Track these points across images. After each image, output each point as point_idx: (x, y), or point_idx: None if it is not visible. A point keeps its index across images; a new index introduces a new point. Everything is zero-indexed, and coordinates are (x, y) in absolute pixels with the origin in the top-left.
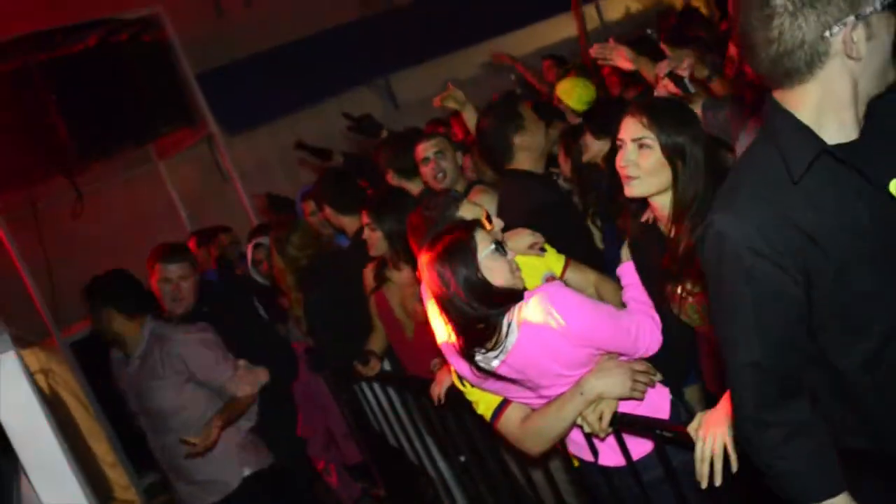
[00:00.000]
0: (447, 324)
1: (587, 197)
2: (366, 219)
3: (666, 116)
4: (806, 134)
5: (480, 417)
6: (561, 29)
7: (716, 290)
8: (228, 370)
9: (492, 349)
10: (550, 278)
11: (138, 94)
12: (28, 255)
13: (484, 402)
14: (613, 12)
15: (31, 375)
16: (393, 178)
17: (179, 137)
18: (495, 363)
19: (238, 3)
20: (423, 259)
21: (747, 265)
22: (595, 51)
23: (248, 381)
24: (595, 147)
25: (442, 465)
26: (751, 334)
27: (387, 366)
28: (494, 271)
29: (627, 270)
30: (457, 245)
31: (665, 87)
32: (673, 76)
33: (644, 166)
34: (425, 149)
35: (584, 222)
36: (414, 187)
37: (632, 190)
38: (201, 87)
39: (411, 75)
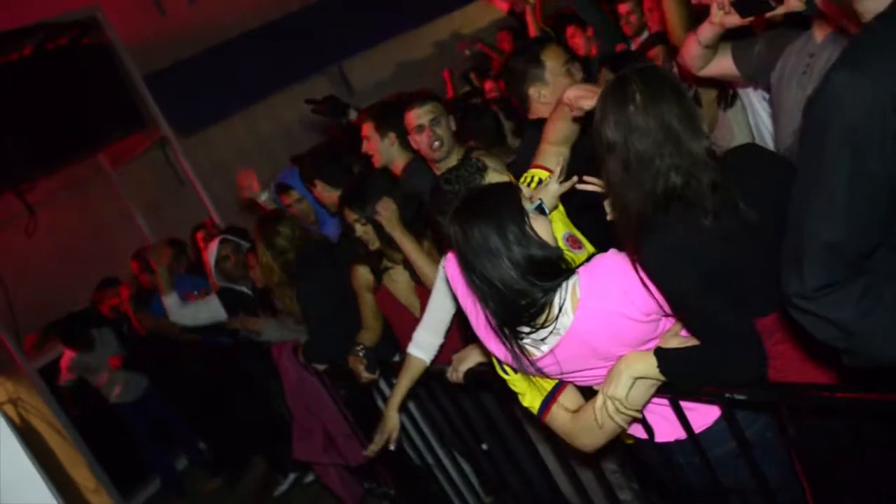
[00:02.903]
0: (484, 300)
1: None
2: (351, 215)
3: None
4: None
5: (505, 398)
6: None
7: (810, 157)
8: None
9: (541, 327)
10: (571, 238)
11: (84, 100)
12: None
13: (531, 392)
14: None
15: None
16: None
17: (131, 143)
18: (545, 348)
19: (181, 1)
20: (456, 225)
21: (862, 133)
22: None
23: None
24: None
25: (447, 463)
26: (839, 214)
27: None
28: (540, 231)
29: None
30: (502, 199)
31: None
32: None
33: None
34: (418, 115)
35: None
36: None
37: None
38: (150, 89)
39: (363, 60)
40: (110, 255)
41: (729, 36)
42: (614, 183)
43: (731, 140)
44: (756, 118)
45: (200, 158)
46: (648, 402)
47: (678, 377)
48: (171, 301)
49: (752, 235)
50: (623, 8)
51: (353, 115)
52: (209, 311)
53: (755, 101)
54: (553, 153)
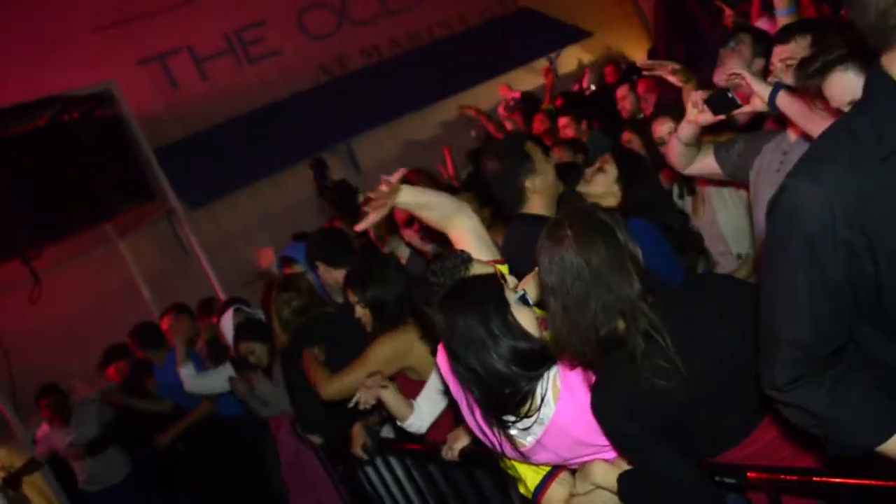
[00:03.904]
0: (469, 388)
1: None
2: (351, 296)
3: None
4: None
5: (502, 478)
6: (517, 84)
7: (774, 262)
8: None
9: (525, 416)
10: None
11: (94, 171)
12: None
13: (528, 478)
14: (567, 66)
15: None
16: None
17: (138, 214)
18: (531, 438)
19: (193, 76)
20: (441, 316)
21: (817, 241)
22: (643, 63)
23: None
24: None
25: None
26: (803, 314)
27: (388, 432)
28: (523, 322)
29: None
30: (486, 291)
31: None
32: (714, 96)
33: None
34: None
35: None
36: None
37: None
38: (159, 161)
39: (372, 138)
40: (113, 323)
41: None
42: (556, 326)
43: (717, 216)
44: None
45: (206, 231)
46: None
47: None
48: (187, 372)
49: (696, 380)
50: (619, 93)
51: (361, 199)
52: (222, 379)
53: None
54: None
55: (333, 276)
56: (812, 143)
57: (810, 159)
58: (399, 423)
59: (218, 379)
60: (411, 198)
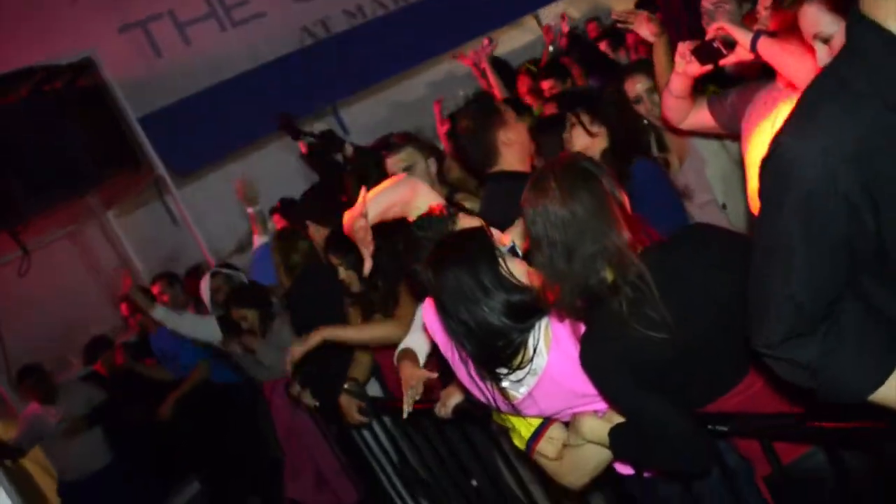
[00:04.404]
0: (461, 343)
1: None
2: (333, 259)
3: None
4: None
5: (495, 435)
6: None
7: (769, 220)
8: None
9: (518, 368)
10: None
11: (78, 142)
12: None
13: (522, 428)
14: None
15: None
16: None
17: (126, 184)
18: (523, 390)
19: (177, 42)
20: (431, 271)
21: (815, 197)
22: (618, 14)
23: None
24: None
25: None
26: (798, 271)
27: (375, 391)
28: (515, 272)
29: None
30: (475, 244)
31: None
32: (701, 47)
33: None
34: (393, 163)
35: None
36: None
37: None
38: (145, 130)
39: (359, 101)
40: (103, 295)
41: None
42: (545, 277)
43: (705, 167)
44: None
45: (194, 199)
46: None
47: (625, 455)
48: (161, 312)
49: (685, 330)
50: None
51: (348, 150)
52: (207, 328)
53: None
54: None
55: (323, 235)
56: (801, 96)
57: (802, 114)
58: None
59: (202, 325)
60: (374, 211)
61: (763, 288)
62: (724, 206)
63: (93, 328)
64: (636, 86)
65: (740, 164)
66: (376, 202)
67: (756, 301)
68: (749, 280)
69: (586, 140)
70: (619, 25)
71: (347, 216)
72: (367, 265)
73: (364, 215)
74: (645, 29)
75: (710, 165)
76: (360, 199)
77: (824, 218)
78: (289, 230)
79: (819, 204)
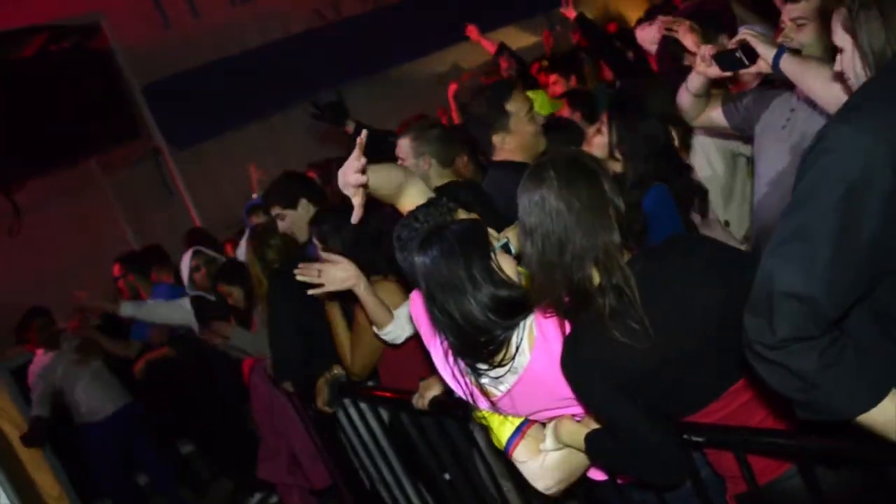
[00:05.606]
0: (443, 332)
1: None
2: (317, 242)
3: None
4: None
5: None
6: (511, 39)
7: (798, 209)
8: None
9: (499, 365)
10: None
11: (80, 105)
12: None
13: (503, 428)
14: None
15: None
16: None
17: (124, 151)
18: (503, 387)
19: (186, 13)
20: (423, 257)
21: (855, 192)
22: (664, 20)
23: None
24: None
25: (411, 492)
26: (821, 267)
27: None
28: (506, 269)
29: None
30: (470, 234)
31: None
32: (724, 54)
33: None
34: (399, 149)
35: None
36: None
37: None
38: (147, 99)
39: (362, 86)
40: (95, 261)
41: None
42: (532, 267)
43: (706, 169)
44: None
45: (191, 171)
46: None
47: (600, 462)
48: (129, 308)
49: (666, 341)
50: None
51: (350, 125)
52: (182, 311)
53: None
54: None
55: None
56: (852, 95)
57: (850, 111)
58: (376, 331)
59: (178, 309)
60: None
61: (773, 281)
62: (727, 224)
63: (84, 292)
64: None
65: (743, 180)
66: (373, 171)
67: (763, 294)
68: (758, 271)
69: (606, 150)
70: (666, 32)
71: (349, 164)
72: (358, 214)
73: (364, 171)
74: (689, 39)
75: (707, 174)
76: (359, 152)
77: (859, 215)
78: (261, 227)
79: (857, 197)
